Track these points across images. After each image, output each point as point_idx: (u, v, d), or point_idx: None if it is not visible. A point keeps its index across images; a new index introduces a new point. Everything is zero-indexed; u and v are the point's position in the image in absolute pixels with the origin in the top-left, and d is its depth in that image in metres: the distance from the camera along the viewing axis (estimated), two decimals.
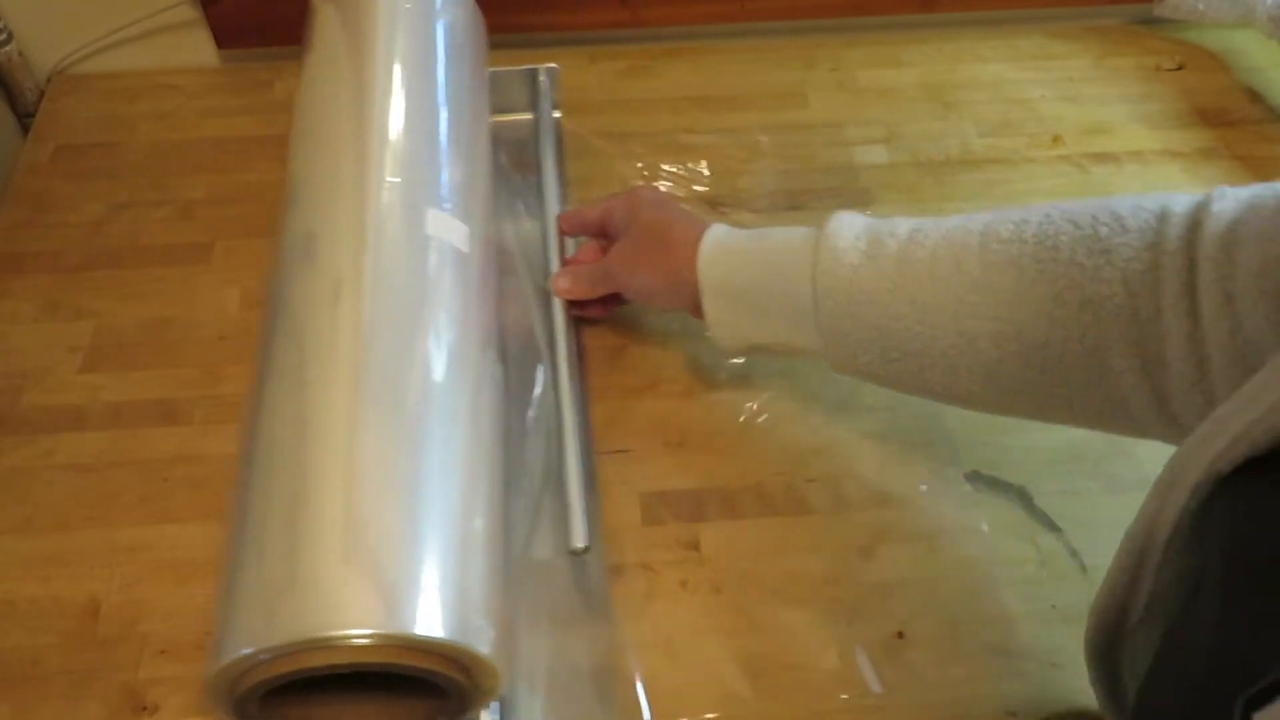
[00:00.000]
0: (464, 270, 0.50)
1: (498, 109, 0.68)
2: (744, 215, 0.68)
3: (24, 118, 0.73)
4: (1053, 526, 0.55)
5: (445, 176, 0.52)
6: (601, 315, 0.61)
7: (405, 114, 0.52)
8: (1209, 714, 0.28)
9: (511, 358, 0.58)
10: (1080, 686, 0.46)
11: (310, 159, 0.52)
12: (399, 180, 0.50)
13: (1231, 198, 0.41)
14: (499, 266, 0.60)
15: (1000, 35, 0.81)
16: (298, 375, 0.44)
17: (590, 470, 0.55)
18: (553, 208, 0.63)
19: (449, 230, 0.50)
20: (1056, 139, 0.74)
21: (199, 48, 0.75)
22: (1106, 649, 0.39)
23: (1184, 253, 0.41)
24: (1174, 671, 0.32)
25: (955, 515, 0.55)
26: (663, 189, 0.69)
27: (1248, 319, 0.39)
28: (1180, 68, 0.80)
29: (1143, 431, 0.45)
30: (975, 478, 0.57)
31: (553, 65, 0.70)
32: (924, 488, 0.56)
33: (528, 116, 0.70)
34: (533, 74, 0.69)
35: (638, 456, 0.57)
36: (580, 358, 0.60)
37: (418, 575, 0.39)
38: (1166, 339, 0.41)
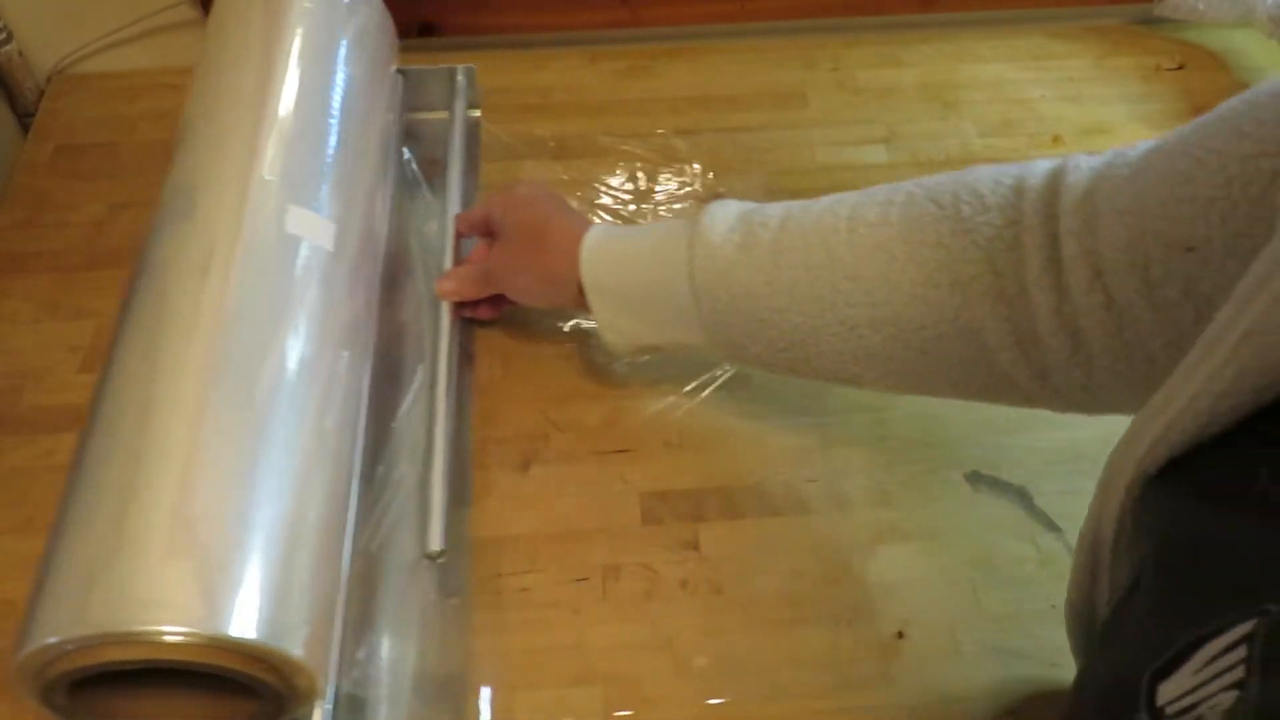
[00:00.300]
0: (330, 269, 0.49)
1: (416, 107, 0.69)
2: None
3: (24, 118, 0.73)
4: (1053, 526, 0.55)
5: (322, 174, 0.51)
6: (490, 316, 0.61)
7: (293, 109, 0.52)
8: (1125, 691, 0.28)
9: (396, 359, 0.58)
10: None
11: (199, 145, 0.51)
12: (274, 178, 0.49)
13: (1086, 168, 0.42)
14: (394, 266, 0.61)
15: (1000, 35, 0.81)
16: (151, 355, 0.43)
17: (463, 475, 0.55)
18: (454, 208, 0.62)
19: (313, 228, 0.49)
20: (1056, 139, 0.74)
21: (199, 48, 0.75)
22: (1085, 644, 0.39)
23: (1043, 228, 0.41)
24: (1104, 662, 0.33)
25: (955, 515, 0.55)
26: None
27: (1119, 293, 0.39)
28: (1180, 68, 0.80)
29: (1031, 403, 0.46)
30: (975, 478, 0.57)
31: (470, 65, 0.69)
32: (924, 488, 0.56)
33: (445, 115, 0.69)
34: (451, 73, 0.69)
35: (638, 456, 0.57)
36: (470, 359, 0.60)
37: (240, 575, 0.39)
38: (1037, 316, 0.42)
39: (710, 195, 0.69)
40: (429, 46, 0.77)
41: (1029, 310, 0.42)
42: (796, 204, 0.49)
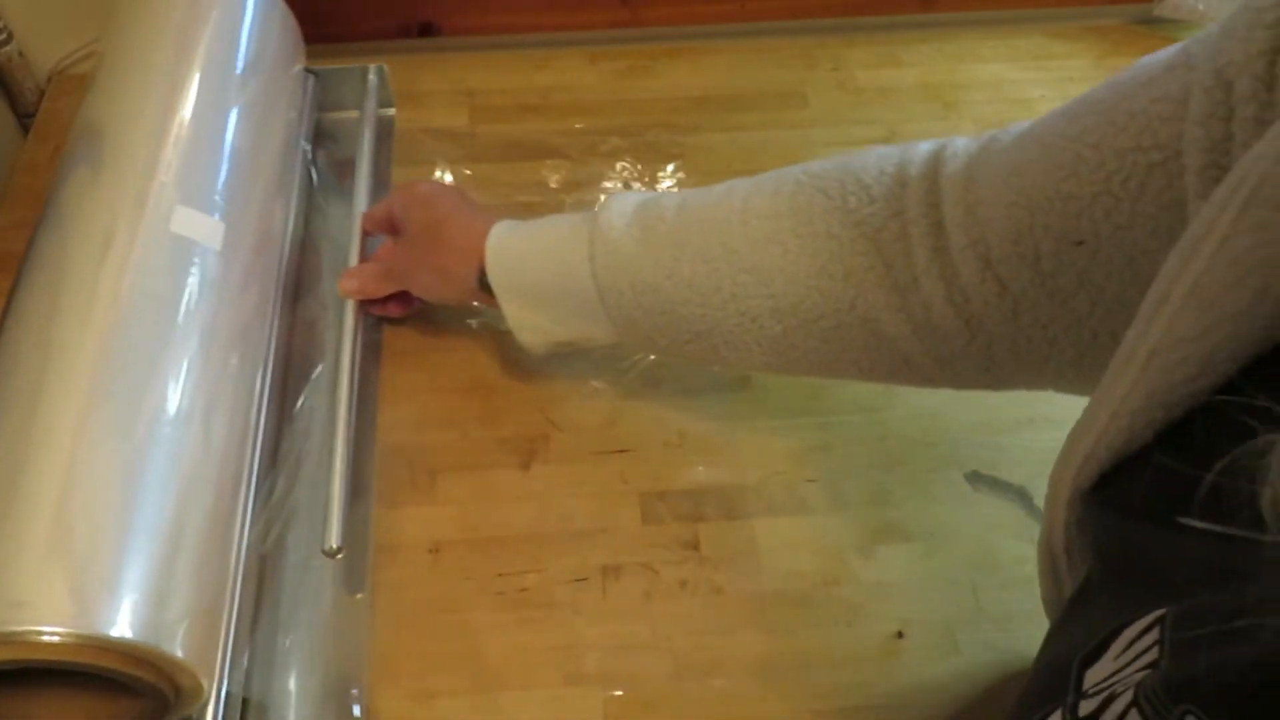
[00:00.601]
0: (220, 269, 0.49)
1: (329, 107, 0.69)
2: None
3: (24, 118, 0.73)
4: None
5: (215, 174, 0.51)
6: (399, 313, 0.61)
7: (191, 108, 0.52)
8: (1060, 678, 0.29)
9: (303, 358, 0.58)
10: None
11: (110, 94, 0.52)
12: (168, 179, 0.49)
13: (963, 154, 0.42)
14: (303, 265, 0.61)
15: (1000, 35, 0.81)
16: (43, 345, 0.43)
17: (364, 472, 0.55)
18: (361, 206, 0.62)
19: (201, 228, 0.49)
20: None
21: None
22: None
23: (926, 219, 0.42)
24: (1049, 655, 0.33)
25: (955, 515, 0.55)
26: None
27: (1013, 283, 0.40)
28: None
29: (934, 385, 0.46)
30: (975, 478, 0.57)
31: (381, 65, 0.69)
32: (924, 488, 0.56)
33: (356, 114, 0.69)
34: (363, 72, 0.69)
35: (638, 456, 0.57)
36: (377, 356, 0.60)
37: (119, 575, 0.39)
38: (931, 305, 0.42)
39: None
40: (429, 46, 0.77)
41: (922, 300, 0.42)
42: (692, 193, 0.49)
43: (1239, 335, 0.27)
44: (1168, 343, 0.28)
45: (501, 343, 0.61)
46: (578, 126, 0.72)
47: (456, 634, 0.51)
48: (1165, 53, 0.36)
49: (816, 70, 0.78)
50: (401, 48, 0.76)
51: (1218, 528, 0.24)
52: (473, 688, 0.49)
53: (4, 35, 0.70)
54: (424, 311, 0.62)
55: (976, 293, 0.41)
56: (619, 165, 0.71)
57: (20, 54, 0.71)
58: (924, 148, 0.44)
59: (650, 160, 0.71)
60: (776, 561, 0.53)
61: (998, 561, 0.54)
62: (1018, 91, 0.77)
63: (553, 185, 0.69)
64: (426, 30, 0.76)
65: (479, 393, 0.59)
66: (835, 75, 0.77)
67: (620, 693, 0.49)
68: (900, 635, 0.51)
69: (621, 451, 0.57)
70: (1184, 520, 0.26)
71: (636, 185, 0.69)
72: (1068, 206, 0.37)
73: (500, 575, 0.53)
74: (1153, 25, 0.83)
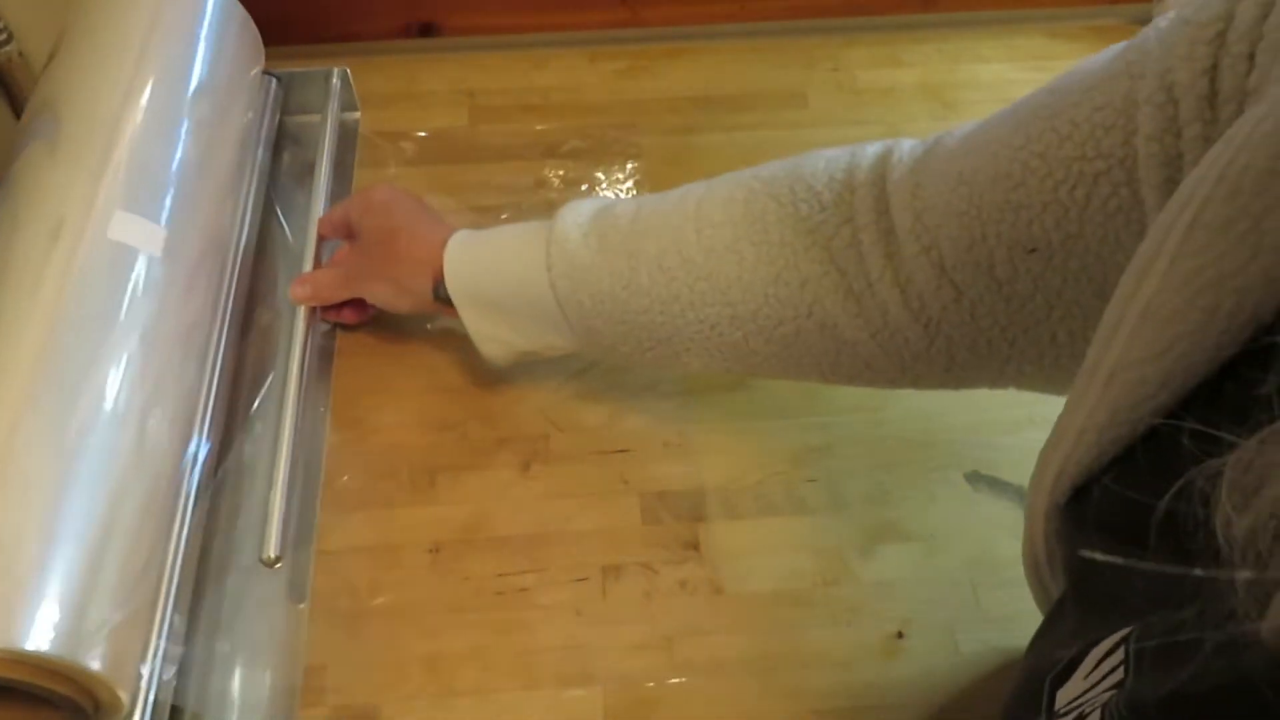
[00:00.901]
0: (162, 274, 0.49)
1: (293, 110, 0.69)
2: None
3: None
4: None
5: (161, 178, 0.51)
6: (355, 320, 0.60)
7: (143, 111, 0.52)
8: (1033, 695, 0.29)
9: (256, 363, 0.58)
10: None
11: (68, 73, 0.52)
12: (116, 180, 0.49)
13: (909, 159, 0.42)
14: (259, 269, 0.61)
15: (1000, 35, 0.81)
16: None
17: (312, 479, 0.55)
18: (319, 210, 0.61)
19: (141, 234, 0.48)
20: None
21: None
22: None
23: (877, 225, 0.42)
24: (1025, 669, 0.34)
25: (955, 515, 0.55)
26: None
27: (968, 288, 0.40)
28: None
29: (896, 386, 0.47)
30: (975, 478, 0.57)
31: (344, 68, 0.69)
32: (924, 488, 0.56)
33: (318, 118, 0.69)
34: (326, 75, 0.69)
35: (638, 457, 0.57)
36: (330, 362, 0.60)
37: (38, 588, 0.39)
38: (887, 310, 0.42)
39: None
40: (429, 47, 0.77)
41: (879, 305, 0.43)
42: (648, 199, 0.49)
43: (1193, 354, 0.27)
44: (1125, 362, 0.29)
45: None
46: (577, 126, 0.72)
47: (457, 634, 0.51)
48: (1103, 57, 0.36)
49: (816, 70, 0.78)
50: (401, 48, 0.76)
51: (1167, 567, 0.25)
52: (473, 688, 0.49)
53: (4, 35, 0.70)
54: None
55: (933, 298, 0.41)
56: (619, 165, 0.71)
57: (20, 54, 0.71)
58: (871, 150, 0.44)
59: (650, 160, 0.71)
60: (776, 561, 0.53)
61: (998, 561, 0.54)
62: (1018, 91, 0.76)
63: (553, 185, 0.69)
64: (426, 30, 0.76)
65: (479, 393, 0.59)
66: (835, 75, 0.77)
67: (620, 693, 0.49)
68: (900, 635, 0.51)
69: (621, 451, 0.57)
70: (1129, 557, 0.27)
71: (637, 185, 0.69)
72: (1018, 216, 0.37)
73: (500, 575, 0.53)
74: None
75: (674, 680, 0.49)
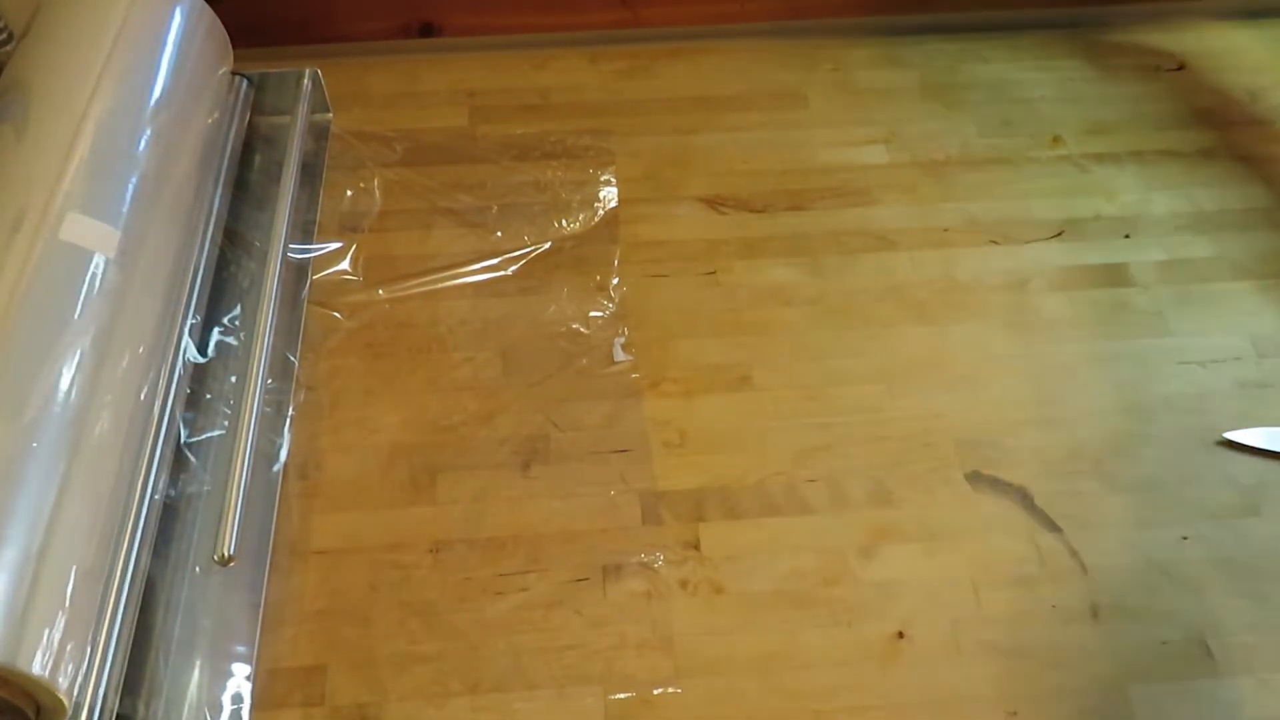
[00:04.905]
0: (116, 276, 0.48)
1: (267, 111, 0.69)
2: (744, 215, 0.68)
3: None
4: (1053, 526, 0.55)
5: (118, 179, 0.51)
6: None
7: (109, 106, 0.52)
8: None
9: (216, 365, 0.58)
10: (1080, 686, 0.46)
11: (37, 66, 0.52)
12: (75, 181, 0.49)
13: None
14: (224, 268, 0.61)
15: (1000, 35, 0.81)
16: None
17: (269, 481, 0.55)
18: (285, 208, 0.62)
19: (93, 235, 0.48)
20: (1057, 139, 0.74)
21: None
22: None
23: None
24: None
25: (955, 515, 0.55)
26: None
27: None
28: (1180, 68, 0.80)
29: None
30: (975, 478, 0.57)
31: (315, 70, 0.69)
32: (924, 488, 0.56)
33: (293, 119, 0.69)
34: (297, 77, 0.69)
35: (638, 456, 0.57)
36: (292, 366, 0.59)
37: None
38: None
39: (711, 196, 0.69)
40: (429, 47, 0.77)
41: None
42: None
43: None
44: None
45: (501, 343, 0.61)
46: (577, 126, 0.72)
47: (458, 634, 0.51)
48: None
49: (816, 70, 0.78)
50: (401, 48, 0.76)
51: None
52: (474, 688, 0.49)
53: (4, 35, 0.70)
54: (424, 311, 0.62)
55: None
56: (619, 165, 0.70)
57: None
58: None
59: (651, 160, 0.71)
60: (776, 561, 0.53)
61: (998, 561, 0.54)
62: (1018, 91, 0.77)
63: (552, 185, 0.69)
64: (427, 30, 0.76)
65: (479, 393, 0.59)
66: (835, 75, 0.77)
67: (620, 693, 0.49)
68: (900, 635, 0.51)
69: (621, 451, 0.57)
70: None
71: (637, 185, 0.69)
72: None
73: (500, 575, 0.53)
74: (1153, 25, 0.82)
75: (674, 680, 0.49)
